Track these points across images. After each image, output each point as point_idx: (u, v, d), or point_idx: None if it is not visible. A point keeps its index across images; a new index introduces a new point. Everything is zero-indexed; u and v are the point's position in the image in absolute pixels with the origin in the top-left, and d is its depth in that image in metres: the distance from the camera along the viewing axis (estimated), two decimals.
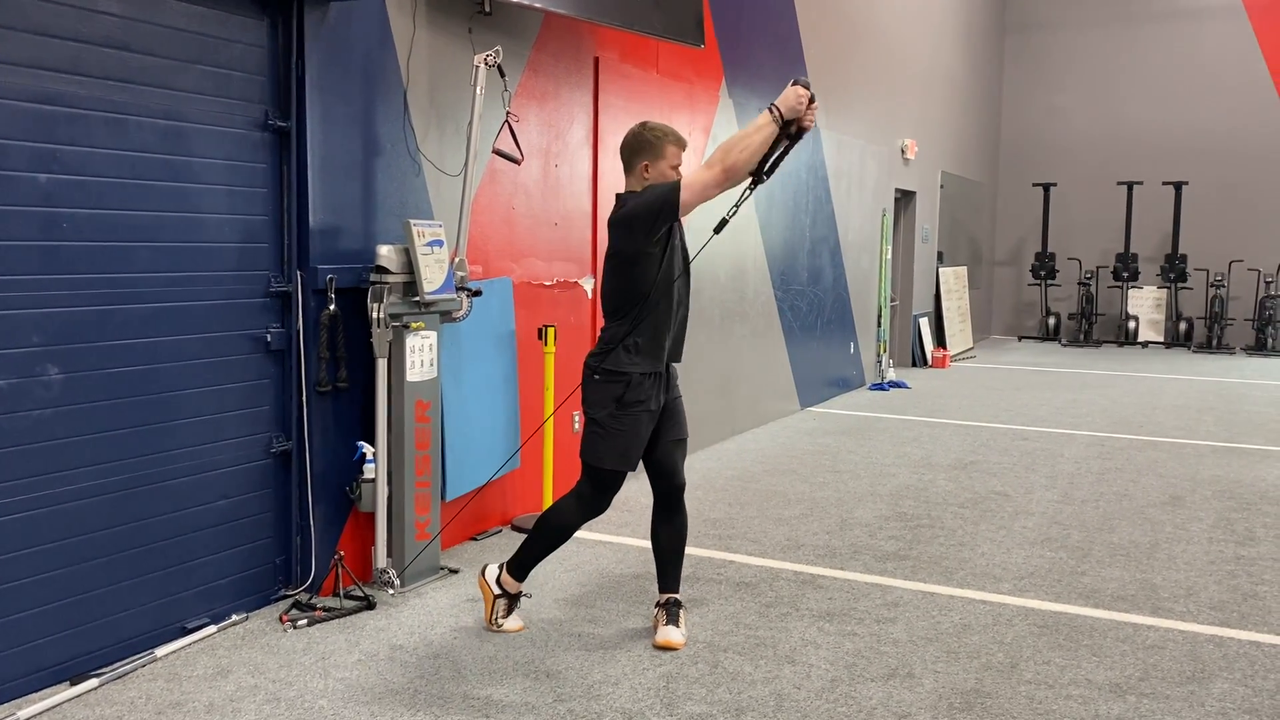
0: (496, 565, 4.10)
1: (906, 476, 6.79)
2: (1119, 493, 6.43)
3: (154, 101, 3.71)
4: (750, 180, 3.65)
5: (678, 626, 3.94)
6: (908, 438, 8.13)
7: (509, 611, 4.07)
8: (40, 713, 3.28)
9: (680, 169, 3.85)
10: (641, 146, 3.84)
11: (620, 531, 5.42)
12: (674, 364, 3.98)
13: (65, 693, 3.40)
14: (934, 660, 3.85)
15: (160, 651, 3.74)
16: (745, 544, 5.26)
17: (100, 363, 3.59)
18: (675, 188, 3.63)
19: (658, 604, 4.05)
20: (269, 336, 4.20)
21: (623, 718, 3.35)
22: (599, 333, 3.94)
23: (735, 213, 3.81)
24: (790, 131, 3.63)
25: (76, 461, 3.53)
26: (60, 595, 3.51)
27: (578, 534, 5.32)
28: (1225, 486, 6.63)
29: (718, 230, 3.87)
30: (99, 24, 3.53)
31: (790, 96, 3.57)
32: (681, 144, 3.86)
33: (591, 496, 3.89)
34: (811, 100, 3.59)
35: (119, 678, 3.56)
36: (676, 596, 4.04)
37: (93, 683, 3.48)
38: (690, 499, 6.02)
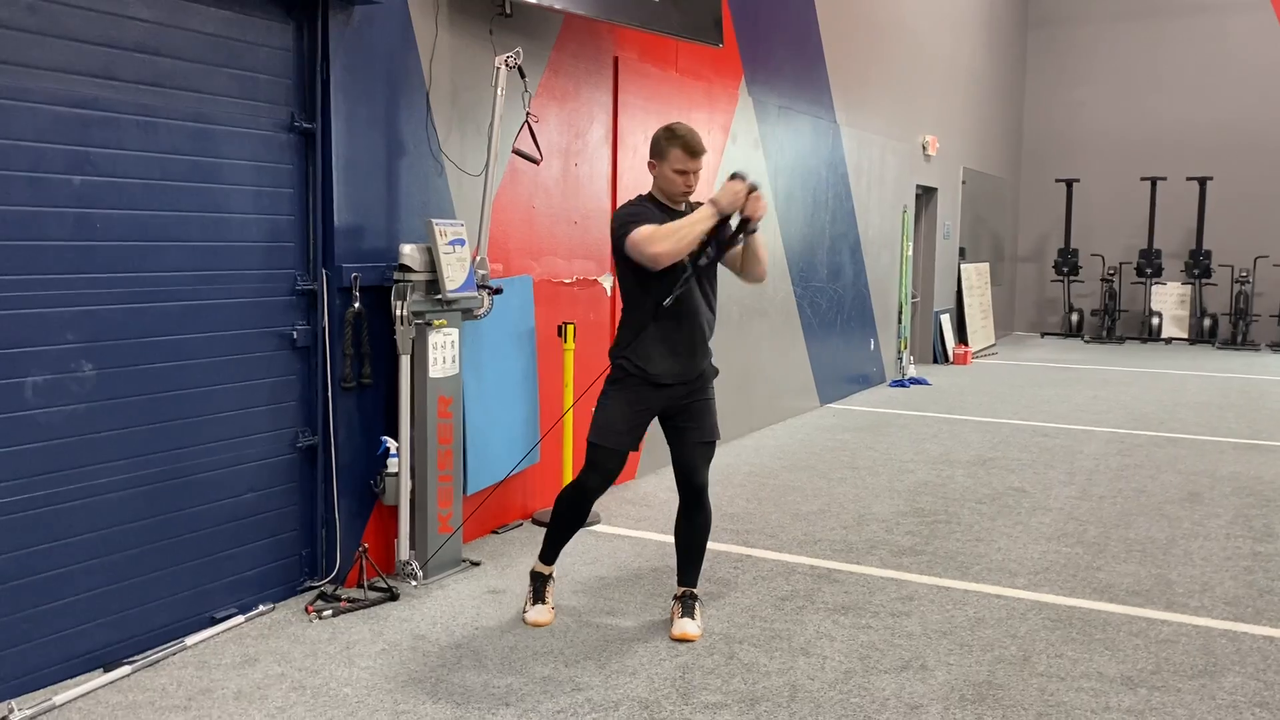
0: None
1: (925, 473, 6.83)
2: (1137, 489, 6.44)
3: (183, 104, 3.81)
4: (694, 259, 3.78)
5: (693, 619, 4.01)
6: (927, 434, 8.16)
7: (535, 596, 4.17)
8: (75, 698, 3.39)
9: (688, 174, 3.87)
10: (653, 145, 3.96)
11: (639, 525, 5.49)
12: (707, 359, 4.05)
13: (99, 679, 3.51)
14: (947, 653, 3.90)
15: (190, 640, 3.84)
16: (763, 539, 5.32)
17: (131, 359, 3.69)
18: (625, 235, 3.75)
19: (675, 597, 4.13)
20: (295, 334, 4.29)
21: (639, 707, 3.42)
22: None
23: (676, 296, 3.79)
24: (740, 222, 3.79)
25: (109, 455, 3.63)
26: (93, 585, 3.61)
27: (597, 528, 5.42)
28: (1245, 483, 6.63)
29: (668, 303, 3.79)
30: (130, 29, 3.62)
31: (727, 192, 3.71)
32: (691, 149, 3.85)
33: (581, 472, 4.03)
34: (752, 190, 3.72)
35: (150, 665, 3.66)
36: (694, 590, 4.11)
37: (125, 669, 3.59)
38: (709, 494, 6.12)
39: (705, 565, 4.78)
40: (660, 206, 3.94)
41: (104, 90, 3.54)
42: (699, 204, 3.93)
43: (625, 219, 3.84)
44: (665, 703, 3.46)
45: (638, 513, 5.73)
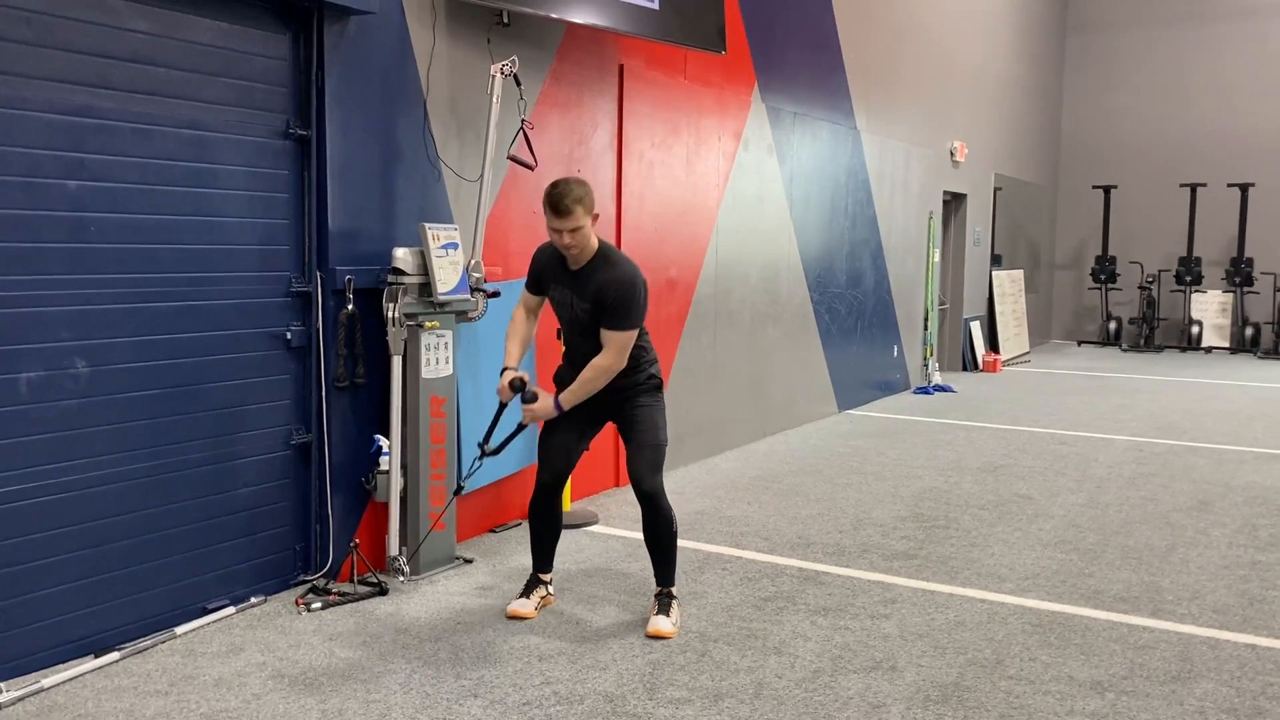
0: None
1: (932, 479, 6.82)
2: (1146, 497, 6.38)
3: (179, 112, 3.95)
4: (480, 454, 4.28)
5: (668, 617, 4.07)
6: (942, 441, 8.13)
7: (523, 590, 4.29)
8: (63, 681, 3.53)
9: (560, 233, 3.93)
10: None
11: (635, 526, 5.54)
12: (631, 380, 4.13)
13: (88, 664, 3.65)
14: (919, 655, 3.92)
15: (180, 629, 3.98)
16: (756, 541, 5.36)
17: (126, 357, 3.84)
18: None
19: (653, 596, 4.20)
20: (289, 334, 4.42)
21: (604, 700, 3.49)
22: None
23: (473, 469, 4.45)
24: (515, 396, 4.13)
25: (102, 449, 3.78)
26: (86, 574, 3.75)
27: (594, 528, 5.50)
28: (1259, 493, 6.53)
29: (485, 457, 4.33)
30: (127, 41, 3.77)
31: (501, 384, 4.11)
32: (556, 210, 3.87)
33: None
34: (526, 398, 4.05)
35: (139, 652, 3.80)
36: (669, 589, 4.18)
37: (114, 656, 3.73)
38: (709, 497, 6.19)
39: (692, 565, 4.86)
40: (560, 255, 4.08)
41: (100, 99, 3.69)
42: (600, 253, 4.04)
43: (529, 267, 4.26)
44: (630, 697, 3.52)
45: (636, 513, 5.77)
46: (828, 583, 4.72)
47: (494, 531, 5.40)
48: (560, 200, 3.86)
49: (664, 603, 4.12)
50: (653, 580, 4.55)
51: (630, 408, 4.12)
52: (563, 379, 4.23)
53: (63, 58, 3.59)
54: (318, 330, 4.47)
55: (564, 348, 4.27)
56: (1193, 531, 5.64)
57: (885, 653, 3.93)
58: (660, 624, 4.03)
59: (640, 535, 5.32)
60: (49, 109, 3.55)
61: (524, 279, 5.43)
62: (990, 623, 4.26)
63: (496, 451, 4.29)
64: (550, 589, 4.36)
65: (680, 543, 5.13)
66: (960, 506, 6.11)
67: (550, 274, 4.15)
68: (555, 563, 4.80)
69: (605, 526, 5.56)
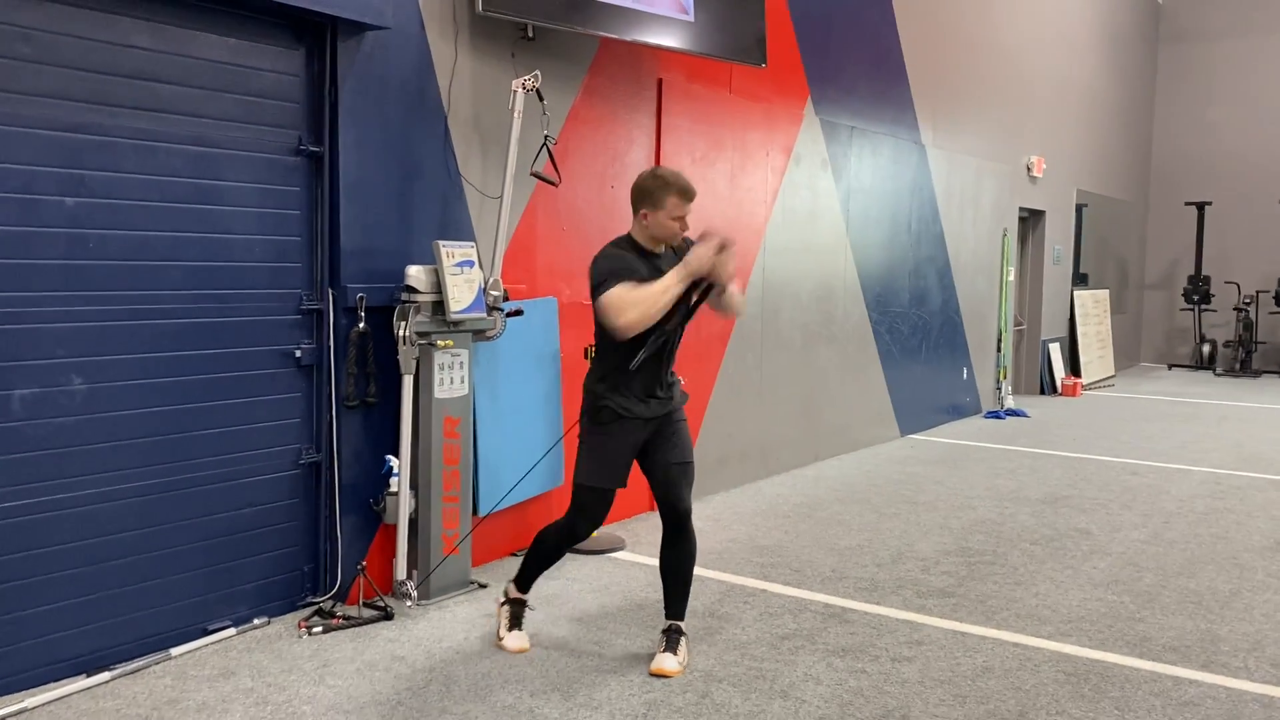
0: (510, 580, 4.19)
1: (987, 509, 6.49)
2: (1216, 535, 5.97)
3: (183, 128, 3.92)
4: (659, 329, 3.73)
5: (675, 654, 3.88)
6: (1004, 469, 7.77)
7: (512, 623, 4.11)
8: (48, 702, 3.49)
9: (683, 218, 3.77)
10: (643, 194, 3.80)
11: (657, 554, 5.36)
12: (676, 386, 3.95)
13: (77, 684, 3.61)
14: (937, 704, 3.66)
15: (175, 651, 3.92)
16: (785, 573, 5.12)
17: (126, 374, 3.81)
18: (600, 292, 3.67)
19: (661, 630, 4.00)
20: (299, 352, 4.36)
21: None
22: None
23: (641, 360, 3.74)
24: (705, 287, 3.73)
25: (99, 467, 3.75)
26: (81, 592, 3.72)
27: (618, 555, 5.34)
28: None
29: (633, 366, 3.75)
30: (129, 57, 3.75)
31: (696, 255, 3.63)
32: (687, 194, 3.75)
33: (569, 515, 3.95)
34: (721, 249, 3.64)
35: (131, 673, 3.75)
36: (679, 624, 3.98)
37: (105, 676, 3.68)
38: (745, 524, 5.98)
39: (711, 598, 4.67)
40: (641, 252, 3.84)
41: (100, 116, 3.67)
42: (685, 243, 3.84)
43: (605, 273, 3.71)
44: None
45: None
46: (853, 620, 4.48)
47: (515, 555, 5.27)
48: (690, 184, 3.78)
49: (672, 639, 3.92)
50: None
51: (671, 422, 3.92)
52: (600, 394, 3.84)
53: (61, 74, 3.57)
54: (329, 348, 4.41)
55: (615, 371, 3.81)
56: (1263, 574, 5.23)
57: (900, 700, 3.68)
58: (665, 662, 3.84)
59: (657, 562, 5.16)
60: (45, 125, 3.54)
61: (550, 297, 5.35)
62: (1021, 670, 3.97)
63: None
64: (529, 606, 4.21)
65: (704, 573, 4.99)
66: (1011, 541, 5.78)
67: (642, 271, 3.76)
68: (573, 589, 4.71)
69: (631, 553, 5.39)
